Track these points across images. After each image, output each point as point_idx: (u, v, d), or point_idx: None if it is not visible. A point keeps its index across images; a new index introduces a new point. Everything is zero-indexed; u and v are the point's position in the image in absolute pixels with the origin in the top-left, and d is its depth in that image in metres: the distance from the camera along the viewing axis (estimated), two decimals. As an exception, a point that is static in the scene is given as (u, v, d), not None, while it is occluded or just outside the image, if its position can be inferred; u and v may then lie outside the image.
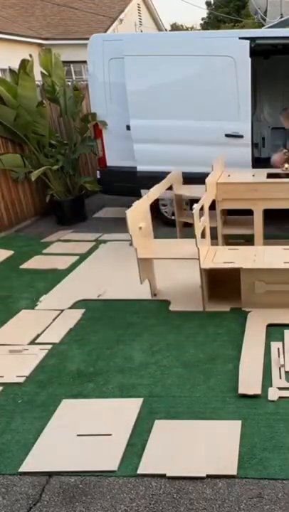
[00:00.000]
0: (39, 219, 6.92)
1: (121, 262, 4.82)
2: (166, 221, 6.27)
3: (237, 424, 2.79)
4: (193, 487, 2.42)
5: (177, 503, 2.33)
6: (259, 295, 4.01)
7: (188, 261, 4.03)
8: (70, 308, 4.20)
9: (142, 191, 5.28)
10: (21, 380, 3.24)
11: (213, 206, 4.85)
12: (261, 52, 6.21)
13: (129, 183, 5.97)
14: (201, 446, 2.63)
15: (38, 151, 6.43)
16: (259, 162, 6.27)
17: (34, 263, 5.28)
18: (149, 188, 4.65)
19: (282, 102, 7.17)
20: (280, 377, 3.19)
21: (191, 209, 3.97)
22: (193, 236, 3.88)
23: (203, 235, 4.11)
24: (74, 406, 3.00)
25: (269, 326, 3.79)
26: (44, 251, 5.63)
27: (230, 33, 6.14)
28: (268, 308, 3.98)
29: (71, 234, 6.18)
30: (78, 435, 2.73)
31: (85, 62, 6.52)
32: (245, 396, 3.02)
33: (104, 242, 5.84)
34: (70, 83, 7.55)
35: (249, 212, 5.06)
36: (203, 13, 37.56)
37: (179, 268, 4.48)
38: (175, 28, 35.04)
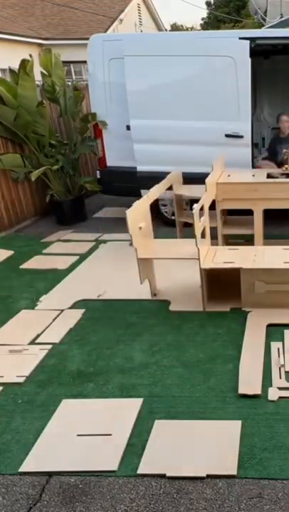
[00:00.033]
0: (39, 219, 6.92)
1: (121, 262, 4.82)
2: (166, 221, 6.27)
3: (237, 424, 2.79)
4: (193, 487, 2.42)
5: (177, 503, 2.33)
6: (259, 295, 4.01)
7: (188, 261, 4.03)
8: (70, 308, 4.20)
9: (142, 191, 5.28)
10: (21, 380, 3.24)
11: (213, 206, 4.85)
12: (261, 52, 6.21)
13: (129, 183, 5.98)
14: (201, 446, 2.63)
15: (38, 151, 6.43)
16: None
17: (34, 263, 5.28)
18: (149, 188, 4.66)
19: (282, 102, 7.17)
20: (280, 377, 3.19)
21: (191, 209, 3.97)
22: (193, 236, 3.88)
23: (203, 235, 4.11)
24: (74, 406, 3.00)
25: (269, 326, 3.79)
26: (44, 251, 5.63)
27: (230, 33, 6.15)
28: (267, 308, 3.98)
29: (71, 234, 6.18)
30: (78, 435, 2.73)
31: (85, 62, 6.52)
32: (245, 396, 3.02)
33: (104, 242, 5.84)
34: (70, 83, 7.55)
35: (249, 212, 5.06)
36: (203, 13, 37.57)
37: (179, 268, 4.48)
38: (175, 28, 35.04)
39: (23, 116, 6.06)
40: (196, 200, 4.18)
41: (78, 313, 4.10)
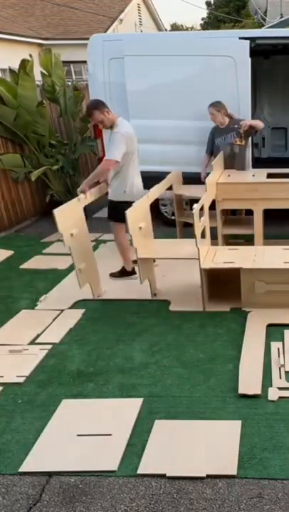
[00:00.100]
0: (39, 219, 6.92)
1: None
2: (166, 221, 6.27)
3: (237, 424, 2.79)
4: (193, 487, 2.42)
5: (177, 503, 2.33)
6: (259, 295, 4.01)
7: (188, 261, 4.03)
8: (70, 308, 4.20)
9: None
10: (21, 380, 3.24)
11: (213, 206, 4.85)
12: (261, 52, 6.21)
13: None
14: (201, 446, 2.63)
15: (38, 151, 6.44)
16: (259, 162, 6.27)
17: (34, 263, 5.28)
18: (149, 188, 4.66)
19: (282, 101, 7.18)
20: (280, 377, 3.19)
21: (191, 209, 3.97)
22: (193, 236, 3.88)
23: (203, 235, 4.11)
24: (74, 406, 3.00)
25: (269, 326, 3.79)
26: (44, 251, 5.64)
27: (230, 33, 6.15)
28: (268, 308, 3.98)
29: (71, 234, 6.17)
30: (78, 435, 2.73)
31: (85, 62, 6.52)
32: (245, 396, 3.02)
33: (104, 242, 5.84)
34: (70, 83, 7.56)
35: (249, 212, 5.07)
36: (203, 13, 37.59)
37: (179, 268, 4.48)
38: (175, 28, 35.04)
39: (23, 116, 6.07)
40: (196, 200, 4.18)
41: (78, 313, 4.10)
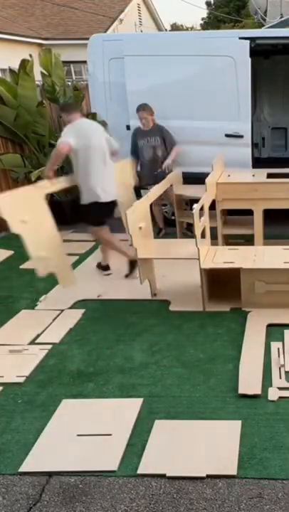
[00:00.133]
0: (39, 219, 6.90)
1: (121, 262, 4.81)
2: (166, 221, 6.26)
3: (237, 424, 2.79)
4: (193, 487, 2.42)
5: (177, 503, 2.33)
6: (259, 295, 4.01)
7: (188, 261, 4.03)
8: (70, 308, 4.20)
9: (142, 191, 5.29)
10: (21, 380, 3.24)
11: (213, 206, 4.85)
12: (261, 52, 6.21)
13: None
14: (201, 446, 2.63)
15: (38, 151, 6.43)
16: (259, 162, 6.27)
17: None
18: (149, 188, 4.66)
19: (282, 101, 7.18)
20: (280, 377, 3.19)
21: (191, 209, 3.97)
22: (193, 236, 3.88)
23: (203, 235, 4.11)
24: (74, 406, 3.00)
25: (269, 326, 3.79)
26: (44, 251, 5.62)
27: (230, 33, 6.16)
28: (267, 308, 3.98)
29: (71, 234, 6.17)
30: (78, 435, 2.73)
31: (85, 62, 6.53)
32: (245, 396, 3.02)
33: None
34: (70, 83, 7.56)
35: (249, 213, 5.07)
36: (203, 13, 37.56)
37: (179, 268, 4.48)
38: (175, 28, 35.02)
39: (23, 116, 6.07)
40: (196, 200, 4.18)
41: (78, 313, 4.09)
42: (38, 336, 3.78)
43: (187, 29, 33.30)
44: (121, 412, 2.91)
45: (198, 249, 3.87)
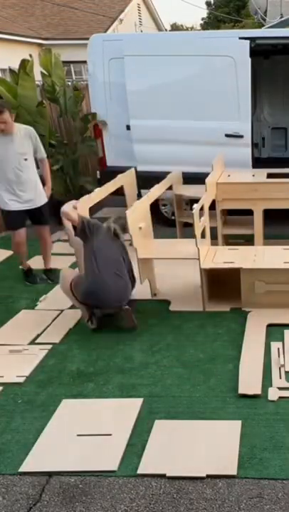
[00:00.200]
0: (39, 219, 6.90)
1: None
2: (166, 221, 6.26)
3: (237, 424, 2.79)
4: (193, 487, 2.42)
5: (177, 503, 2.33)
6: (259, 295, 4.01)
7: (188, 261, 4.03)
8: (70, 308, 4.20)
9: (142, 191, 5.29)
10: (21, 380, 3.24)
11: (213, 206, 4.85)
12: (261, 52, 6.21)
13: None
14: (201, 446, 2.63)
15: (38, 151, 6.42)
16: (259, 162, 6.27)
17: (34, 263, 5.27)
18: (149, 188, 4.66)
19: (282, 101, 7.17)
20: (280, 377, 3.19)
21: (191, 209, 3.97)
22: (193, 236, 3.88)
23: (203, 235, 4.11)
24: (74, 406, 3.00)
25: (269, 326, 3.79)
26: (44, 251, 5.62)
27: (230, 33, 6.16)
28: (267, 308, 3.98)
29: (71, 234, 6.17)
30: (78, 435, 2.73)
31: (85, 62, 6.52)
32: (245, 396, 3.02)
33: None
34: (70, 83, 7.56)
35: (249, 212, 5.06)
36: (203, 13, 37.58)
37: (179, 268, 4.48)
38: (175, 28, 35.03)
39: (23, 117, 6.06)
40: (196, 200, 4.18)
41: (78, 313, 4.08)
42: (38, 335, 3.78)
43: (187, 29, 33.31)
44: (121, 412, 2.91)
45: (198, 249, 3.87)
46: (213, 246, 4.46)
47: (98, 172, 6.48)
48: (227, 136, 5.68)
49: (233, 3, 30.71)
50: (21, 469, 2.54)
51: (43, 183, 4.80)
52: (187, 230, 5.19)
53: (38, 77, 6.43)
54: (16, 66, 6.12)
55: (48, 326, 3.90)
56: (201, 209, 4.10)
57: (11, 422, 2.88)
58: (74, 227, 3.79)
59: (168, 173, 5.33)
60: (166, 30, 23.55)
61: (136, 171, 5.63)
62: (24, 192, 4.55)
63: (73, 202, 3.93)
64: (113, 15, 16.45)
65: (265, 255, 4.21)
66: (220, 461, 2.53)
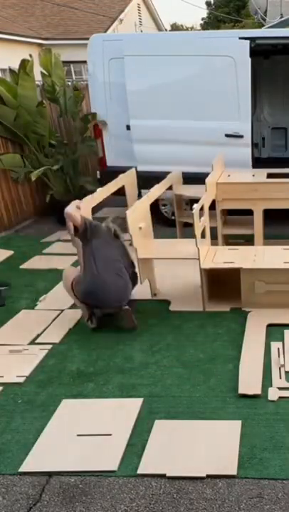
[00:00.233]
0: (39, 219, 6.91)
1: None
2: (166, 221, 6.26)
3: (237, 424, 2.79)
4: (193, 487, 2.42)
5: (177, 503, 2.33)
6: (259, 295, 4.01)
7: (188, 261, 4.03)
8: (70, 308, 4.20)
9: (142, 191, 5.28)
10: (21, 380, 3.24)
11: (213, 206, 4.85)
12: (261, 52, 6.21)
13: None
14: (201, 446, 2.63)
15: (38, 151, 6.43)
16: (259, 162, 6.27)
17: (34, 263, 5.28)
18: (149, 188, 4.66)
19: (282, 101, 7.17)
20: (280, 377, 3.19)
21: (191, 209, 3.97)
22: (193, 236, 3.88)
23: (203, 235, 4.11)
24: (74, 406, 3.00)
25: (269, 326, 3.79)
26: (44, 251, 5.63)
27: (230, 33, 6.16)
28: (267, 308, 3.98)
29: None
30: (78, 435, 2.73)
31: (85, 62, 6.52)
32: (245, 396, 3.02)
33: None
34: (70, 83, 7.56)
35: (249, 212, 5.06)
36: (203, 13, 37.57)
37: (179, 268, 4.48)
38: (175, 28, 35.03)
39: (23, 116, 6.07)
40: (196, 200, 4.18)
41: (78, 313, 4.09)
42: (38, 335, 3.78)
43: (187, 29, 33.31)
44: (121, 412, 2.91)
45: (198, 249, 3.87)
46: (213, 246, 4.46)
47: (98, 172, 6.48)
48: (227, 136, 5.68)
49: (233, 3, 30.71)
50: (21, 469, 2.54)
51: None
52: (187, 230, 5.19)
53: (38, 77, 6.44)
54: (16, 66, 6.12)
55: (48, 326, 3.90)
56: (201, 209, 4.10)
57: (11, 422, 2.88)
58: (75, 227, 3.78)
59: (168, 173, 5.33)
60: (166, 30, 23.54)
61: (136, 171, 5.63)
62: None
63: (76, 202, 3.92)
64: (113, 15, 16.44)
65: (265, 255, 4.21)
66: (220, 461, 2.53)
